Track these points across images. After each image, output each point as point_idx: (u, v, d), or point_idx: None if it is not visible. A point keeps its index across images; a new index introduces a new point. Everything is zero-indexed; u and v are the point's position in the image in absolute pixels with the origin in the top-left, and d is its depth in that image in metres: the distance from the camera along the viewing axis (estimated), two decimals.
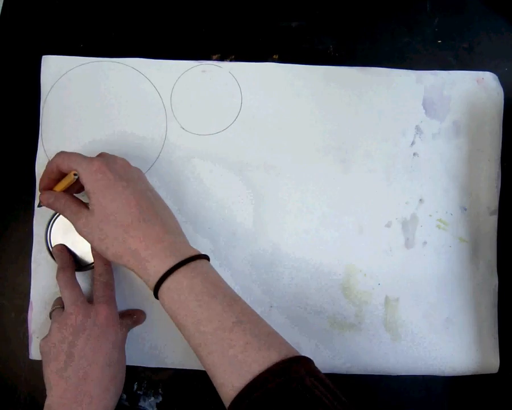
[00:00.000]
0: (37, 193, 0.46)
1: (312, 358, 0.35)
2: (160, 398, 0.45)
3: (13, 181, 0.47)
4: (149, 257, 0.36)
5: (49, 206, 0.40)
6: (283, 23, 0.50)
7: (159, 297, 0.36)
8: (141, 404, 0.45)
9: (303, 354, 0.36)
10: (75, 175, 0.38)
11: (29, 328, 0.45)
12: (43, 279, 0.45)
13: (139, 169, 0.43)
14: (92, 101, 0.47)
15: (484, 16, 0.51)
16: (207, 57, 0.49)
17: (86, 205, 0.39)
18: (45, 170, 0.40)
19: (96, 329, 0.39)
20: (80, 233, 0.39)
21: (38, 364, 0.45)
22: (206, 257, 0.38)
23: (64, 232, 0.45)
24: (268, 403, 0.31)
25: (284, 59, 0.49)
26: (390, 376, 0.46)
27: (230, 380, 0.33)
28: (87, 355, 0.39)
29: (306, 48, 0.50)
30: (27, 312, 0.45)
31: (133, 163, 0.46)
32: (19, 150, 0.47)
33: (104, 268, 0.43)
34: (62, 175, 0.40)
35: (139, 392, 0.45)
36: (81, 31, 0.49)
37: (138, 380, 0.45)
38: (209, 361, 0.34)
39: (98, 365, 0.39)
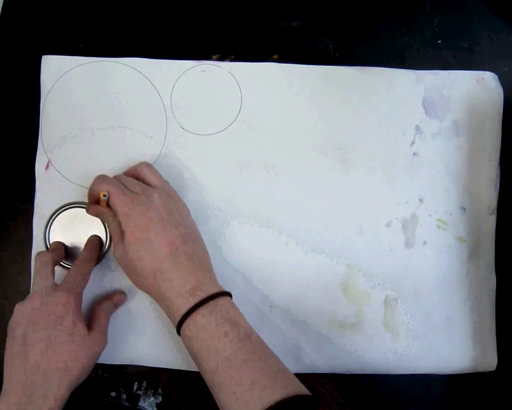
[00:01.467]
0: (37, 194, 0.46)
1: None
2: (160, 398, 0.45)
3: (13, 181, 0.47)
4: (174, 298, 0.37)
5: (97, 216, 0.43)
6: (283, 23, 0.50)
7: (180, 335, 0.37)
8: (141, 404, 0.45)
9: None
10: (104, 195, 0.39)
11: None
12: None
13: (182, 203, 0.43)
14: (92, 101, 0.47)
15: (484, 16, 0.51)
16: (207, 57, 0.49)
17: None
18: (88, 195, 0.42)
19: (52, 317, 0.38)
20: (114, 256, 0.40)
21: None
22: (227, 294, 0.39)
23: (63, 232, 0.45)
24: None
25: (284, 59, 0.49)
26: (390, 375, 0.46)
27: None
28: (39, 344, 0.38)
29: (306, 48, 0.50)
30: None
31: (133, 163, 0.46)
32: (19, 150, 0.47)
33: (88, 259, 0.43)
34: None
35: (138, 392, 0.45)
36: (81, 31, 0.49)
37: (138, 380, 0.46)
38: (219, 397, 0.35)
39: (51, 355, 0.37)
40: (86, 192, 0.46)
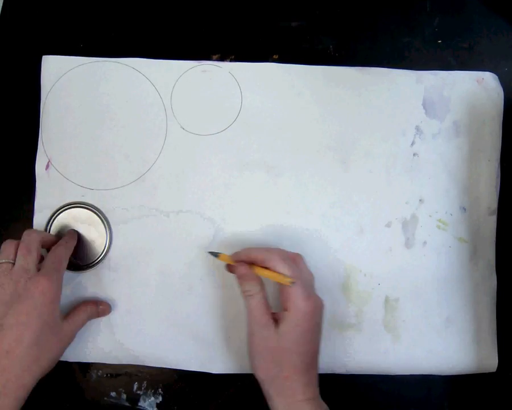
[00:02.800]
0: (37, 194, 0.46)
1: None
2: (160, 398, 0.45)
3: (13, 181, 0.47)
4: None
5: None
6: (283, 23, 0.50)
7: None
8: (141, 404, 0.45)
9: None
10: None
11: None
12: None
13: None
14: (92, 101, 0.47)
15: (484, 16, 0.51)
16: (207, 57, 0.49)
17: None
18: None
19: (29, 302, 0.37)
20: None
21: None
22: None
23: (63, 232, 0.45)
24: None
25: (284, 59, 0.49)
26: (390, 376, 0.46)
27: None
28: (14, 328, 0.36)
29: (306, 48, 0.50)
30: None
31: (133, 163, 0.46)
32: (19, 150, 0.47)
33: (71, 241, 0.43)
34: None
35: (139, 392, 0.45)
36: (81, 31, 0.49)
37: (138, 380, 0.46)
38: None
39: (24, 342, 0.36)
40: (86, 192, 0.46)
